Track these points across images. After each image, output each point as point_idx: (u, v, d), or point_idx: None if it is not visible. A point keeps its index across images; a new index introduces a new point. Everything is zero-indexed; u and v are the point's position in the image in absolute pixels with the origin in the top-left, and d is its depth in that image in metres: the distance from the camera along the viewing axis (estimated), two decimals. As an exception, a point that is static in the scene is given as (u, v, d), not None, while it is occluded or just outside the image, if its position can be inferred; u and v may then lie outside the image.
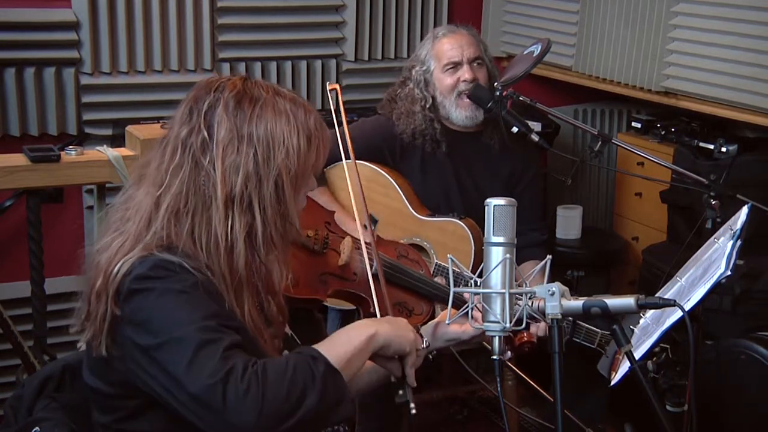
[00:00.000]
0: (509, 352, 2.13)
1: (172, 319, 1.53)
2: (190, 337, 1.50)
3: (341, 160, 2.12)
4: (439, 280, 2.26)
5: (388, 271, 2.08)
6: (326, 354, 1.59)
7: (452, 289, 1.68)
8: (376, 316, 1.99)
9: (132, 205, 1.67)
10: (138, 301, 1.56)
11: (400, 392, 1.76)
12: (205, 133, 1.64)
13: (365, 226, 2.03)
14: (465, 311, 1.71)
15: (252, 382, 1.48)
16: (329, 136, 1.76)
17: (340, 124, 2.09)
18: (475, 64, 3.15)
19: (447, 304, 1.71)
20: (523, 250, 3.05)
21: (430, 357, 2.07)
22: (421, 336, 2.05)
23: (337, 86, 2.18)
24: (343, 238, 2.06)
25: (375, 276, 1.96)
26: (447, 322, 1.75)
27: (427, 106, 3.17)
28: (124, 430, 1.66)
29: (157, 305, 1.54)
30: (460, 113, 3.16)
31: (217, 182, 1.62)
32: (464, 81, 3.12)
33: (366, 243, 2.02)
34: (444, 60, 3.15)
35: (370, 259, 2.00)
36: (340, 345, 1.65)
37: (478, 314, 1.76)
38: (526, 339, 2.22)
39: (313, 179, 1.76)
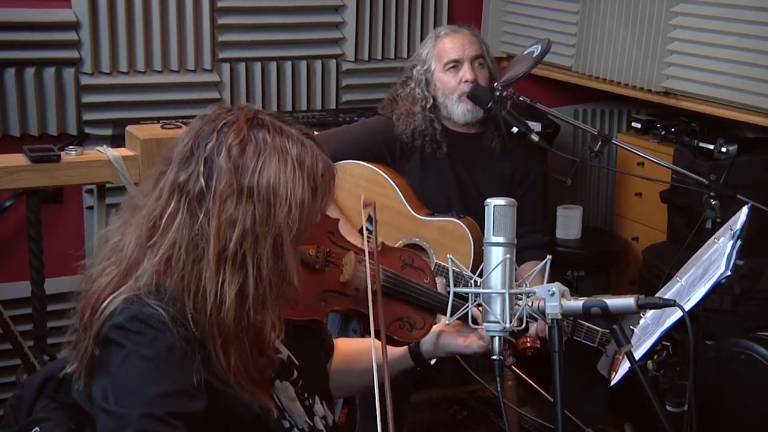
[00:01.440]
0: (511, 357, 2.11)
1: (126, 389, 1.48)
2: (130, 422, 1.44)
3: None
4: (438, 280, 2.24)
5: (391, 287, 2.04)
6: None
7: (452, 289, 1.68)
8: (372, 336, 1.93)
9: (127, 233, 1.61)
10: (110, 352, 1.53)
11: None
12: (203, 183, 1.55)
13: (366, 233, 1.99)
14: (465, 312, 1.71)
15: None
16: (334, 176, 1.67)
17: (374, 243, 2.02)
18: (476, 64, 3.14)
19: (450, 315, 1.69)
20: (523, 252, 3.05)
21: (431, 363, 2.06)
22: (417, 349, 2.01)
23: (374, 203, 2.09)
24: (347, 251, 1.99)
25: (374, 295, 1.88)
26: (447, 322, 1.75)
27: (428, 106, 3.16)
28: None
29: (121, 368, 1.50)
30: (461, 108, 3.14)
31: (211, 237, 1.53)
32: (466, 81, 3.11)
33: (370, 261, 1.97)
34: (445, 59, 3.14)
35: (371, 276, 1.93)
36: None
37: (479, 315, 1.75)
38: (529, 344, 2.21)
39: (317, 219, 1.68)
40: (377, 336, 1.82)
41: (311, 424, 1.78)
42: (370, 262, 1.93)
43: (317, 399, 1.84)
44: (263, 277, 1.56)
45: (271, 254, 1.56)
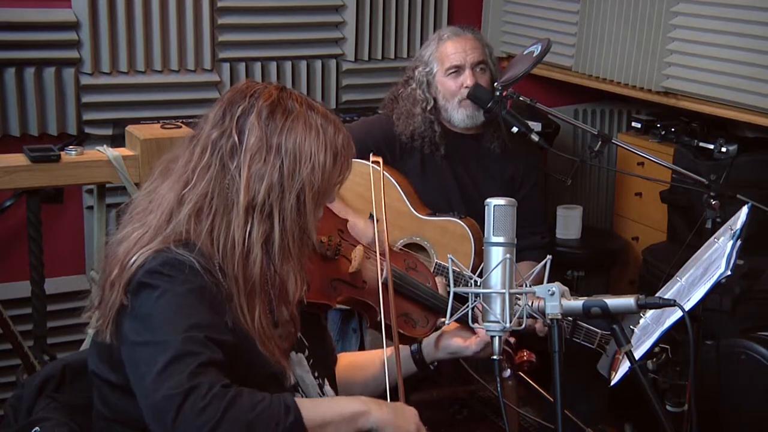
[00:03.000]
0: (509, 370, 2.14)
1: (163, 321, 1.54)
2: (172, 344, 1.50)
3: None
4: (438, 279, 2.26)
5: (397, 282, 2.10)
6: (303, 409, 1.56)
7: (452, 289, 1.68)
8: (382, 324, 2.00)
9: (155, 198, 1.69)
10: (143, 296, 1.58)
11: None
12: (236, 139, 1.66)
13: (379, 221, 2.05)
14: (465, 311, 1.71)
15: (213, 403, 1.47)
16: (354, 154, 1.78)
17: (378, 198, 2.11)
18: (477, 69, 3.14)
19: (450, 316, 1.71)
20: (522, 253, 3.05)
21: (431, 367, 2.08)
22: (420, 353, 2.05)
23: (380, 159, 2.19)
24: (355, 246, 2.09)
25: (384, 285, 2.00)
26: (447, 322, 1.76)
27: (428, 108, 3.16)
28: (123, 421, 1.67)
29: (156, 305, 1.56)
30: (461, 113, 3.15)
31: (241, 188, 1.64)
32: (466, 87, 3.12)
33: (379, 252, 2.04)
34: (447, 63, 3.14)
35: (380, 269, 2.03)
36: (323, 407, 1.64)
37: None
38: (526, 358, 2.23)
39: (334, 193, 1.78)
40: (385, 326, 1.88)
41: (322, 397, 1.82)
42: (380, 252, 2.02)
43: (326, 382, 1.89)
44: (287, 229, 1.67)
45: (295, 208, 1.67)
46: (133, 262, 1.60)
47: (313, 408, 1.60)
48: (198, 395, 1.46)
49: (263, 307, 1.68)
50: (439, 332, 2.06)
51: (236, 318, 1.63)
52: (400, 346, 2.08)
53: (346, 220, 2.13)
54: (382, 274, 2.02)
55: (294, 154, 1.66)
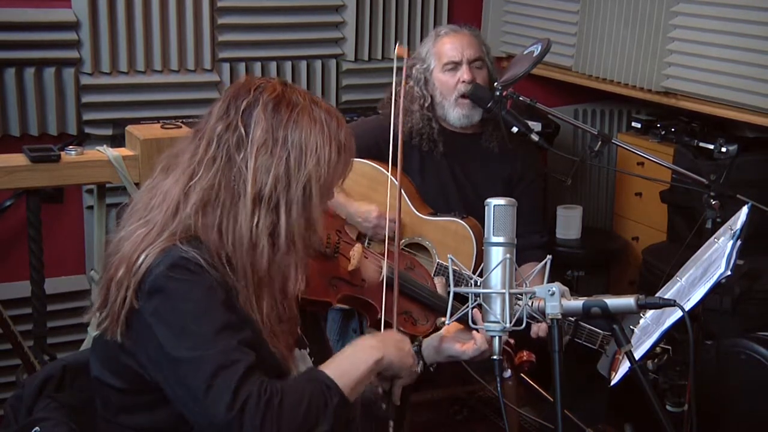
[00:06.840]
0: (509, 371, 2.15)
1: (192, 332, 1.56)
2: (209, 359, 1.54)
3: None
4: (438, 279, 2.27)
5: (399, 280, 2.11)
6: (339, 382, 1.65)
7: (452, 289, 1.69)
8: (382, 322, 2.02)
9: (158, 193, 1.70)
10: (160, 301, 1.58)
11: (384, 406, 1.88)
12: (242, 131, 1.67)
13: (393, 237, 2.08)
14: (465, 311, 1.72)
15: (267, 412, 1.53)
16: (354, 146, 1.80)
17: (398, 84, 2.12)
18: (474, 66, 3.15)
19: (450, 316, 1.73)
20: (522, 252, 3.04)
21: (431, 369, 2.09)
22: (419, 355, 2.08)
23: (405, 50, 2.18)
24: (353, 245, 2.12)
25: (383, 283, 2.03)
26: (447, 322, 1.76)
27: (426, 105, 3.16)
28: (126, 425, 1.68)
29: (177, 312, 1.58)
30: (457, 112, 3.15)
31: (248, 180, 1.65)
32: (463, 82, 3.11)
33: (381, 253, 2.08)
34: (444, 59, 3.14)
35: (380, 266, 2.07)
36: (351, 370, 1.70)
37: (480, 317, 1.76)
38: (525, 358, 2.24)
39: (334, 190, 1.80)
40: (385, 323, 1.90)
41: None
42: (381, 252, 2.03)
43: None
44: (293, 222, 1.68)
45: (301, 200, 1.69)
46: (141, 262, 1.61)
47: (345, 376, 1.67)
48: (252, 409, 1.52)
49: (270, 301, 1.70)
50: (439, 335, 2.07)
51: (246, 313, 1.65)
52: None
53: (344, 220, 2.15)
54: (386, 270, 2.05)
55: (300, 147, 1.68)
